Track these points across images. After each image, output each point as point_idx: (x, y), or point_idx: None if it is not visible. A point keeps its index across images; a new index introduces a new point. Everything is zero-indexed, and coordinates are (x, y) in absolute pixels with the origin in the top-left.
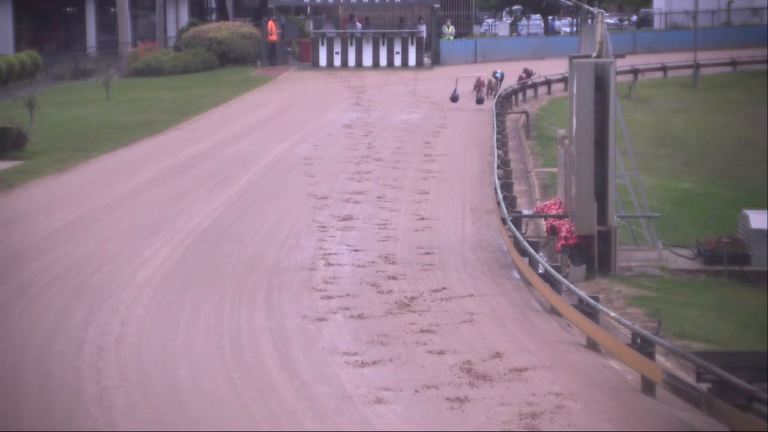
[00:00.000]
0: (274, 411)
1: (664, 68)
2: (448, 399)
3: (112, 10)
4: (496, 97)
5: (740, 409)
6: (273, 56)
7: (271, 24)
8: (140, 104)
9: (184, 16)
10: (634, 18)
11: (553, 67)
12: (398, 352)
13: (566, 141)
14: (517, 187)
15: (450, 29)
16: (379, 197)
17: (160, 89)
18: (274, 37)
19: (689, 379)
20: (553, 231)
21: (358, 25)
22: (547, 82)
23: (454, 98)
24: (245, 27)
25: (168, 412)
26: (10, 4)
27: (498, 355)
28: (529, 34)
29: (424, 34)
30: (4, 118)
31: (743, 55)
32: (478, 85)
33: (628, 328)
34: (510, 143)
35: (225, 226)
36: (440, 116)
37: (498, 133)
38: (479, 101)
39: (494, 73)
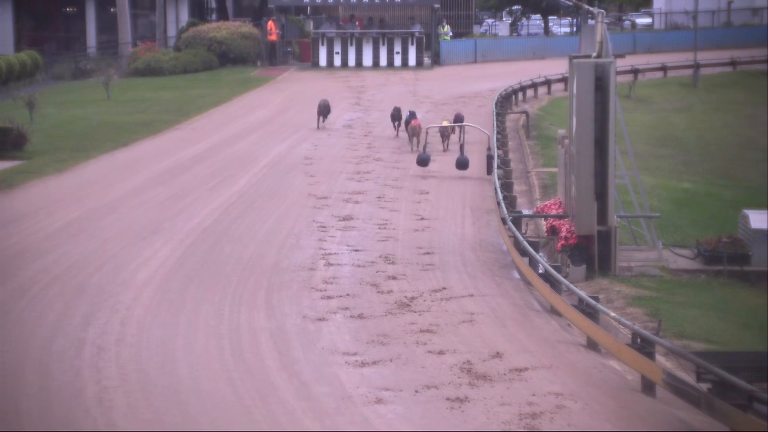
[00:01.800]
0: (274, 411)
1: (664, 68)
2: (448, 399)
3: (112, 10)
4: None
5: (740, 409)
6: (273, 56)
7: (270, 24)
8: (140, 104)
9: (184, 16)
10: (638, 20)
11: (553, 67)
12: (398, 352)
13: (566, 141)
14: (517, 187)
15: (446, 29)
16: (379, 197)
17: (160, 89)
18: (273, 37)
19: (689, 379)
20: (553, 231)
21: (357, 24)
22: (547, 82)
23: (423, 160)
24: (245, 27)
25: (168, 412)
26: (10, 4)
27: (498, 355)
28: (529, 34)
29: (417, 34)
30: (4, 118)
31: (743, 55)
32: (414, 134)
33: (628, 328)
34: (510, 143)
35: (225, 226)
36: (440, 116)
37: (498, 133)
38: (423, 162)
39: (396, 110)
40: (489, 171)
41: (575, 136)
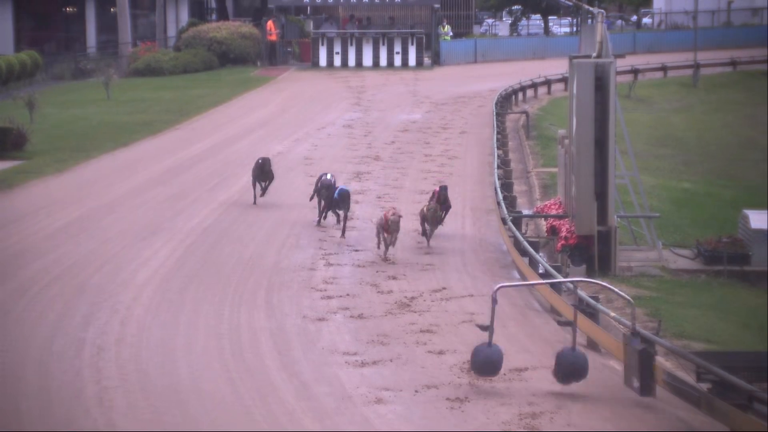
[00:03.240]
0: (274, 411)
1: (664, 68)
2: (448, 399)
3: (112, 10)
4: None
5: (740, 409)
6: (273, 56)
7: (270, 24)
8: (140, 104)
9: (184, 16)
10: (634, 18)
11: (553, 67)
12: (398, 352)
13: (566, 141)
14: (517, 187)
15: (446, 29)
16: (379, 197)
17: (160, 89)
18: (273, 37)
19: (689, 379)
20: (553, 231)
21: (356, 24)
22: (547, 82)
23: (489, 365)
24: (245, 27)
25: (168, 412)
26: (10, 4)
27: None
28: (529, 34)
29: (417, 34)
30: (4, 118)
31: (743, 55)
32: (393, 230)
33: (629, 329)
34: (510, 143)
35: (225, 226)
36: (440, 116)
37: (498, 133)
38: (489, 368)
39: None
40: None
41: (575, 136)
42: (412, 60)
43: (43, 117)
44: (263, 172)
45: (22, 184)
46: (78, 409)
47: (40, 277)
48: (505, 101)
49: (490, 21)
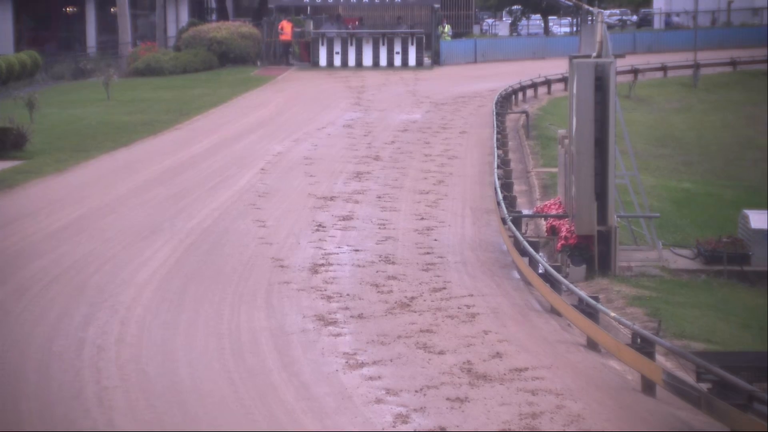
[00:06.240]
0: (274, 411)
1: (664, 68)
2: (448, 399)
3: (112, 10)
4: None
5: (740, 409)
6: (286, 56)
7: (283, 23)
8: (140, 104)
9: (184, 16)
10: (634, 18)
11: (553, 67)
12: (398, 352)
13: (566, 141)
14: (517, 187)
15: (446, 29)
16: (379, 197)
17: (160, 89)
18: (287, 37)
19: (689, 379)
20: (553, 231)
21: (348, 26)
22: (547, 82)
23: None
24: (245, 27)
25: (168, 412)
26: (10, 4)
27: (498, 355)
28: (529, 34)
29: (417, 34)
30: (4, 118)
31: (743, 55)
32: None
33: (628, 328)
34: (510, 143)
35: (225, 226)
36: (440, 116)
37: (498, 133)
38: None
39: None
40: None
41: (575, 136)
42: (412, 60)
43: (43, 117)
44: None
45: (22, 184)
46: (78, 409)
47: (40, 277)
48: (505, 101)
49: (489, 21)
